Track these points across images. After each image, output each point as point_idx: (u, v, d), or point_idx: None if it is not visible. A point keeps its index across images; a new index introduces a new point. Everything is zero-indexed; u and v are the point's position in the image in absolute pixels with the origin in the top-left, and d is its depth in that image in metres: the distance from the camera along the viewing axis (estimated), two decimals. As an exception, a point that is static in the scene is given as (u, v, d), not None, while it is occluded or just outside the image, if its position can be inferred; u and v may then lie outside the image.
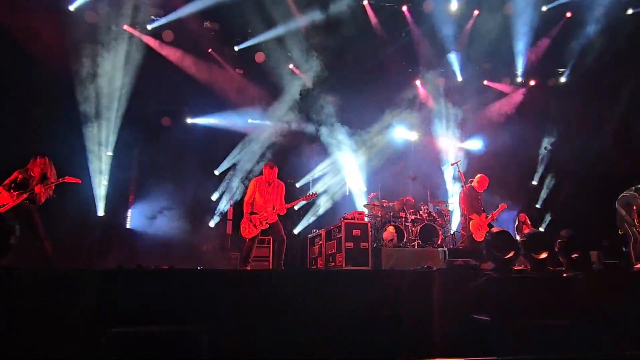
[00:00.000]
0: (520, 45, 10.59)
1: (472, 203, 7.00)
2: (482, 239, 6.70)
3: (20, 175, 5.87)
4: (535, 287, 3.43)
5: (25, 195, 5.75)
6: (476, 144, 11.79)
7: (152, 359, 2.86)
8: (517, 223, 9.31)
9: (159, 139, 9.55)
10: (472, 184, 7.19)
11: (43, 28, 7.88)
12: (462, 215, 7.42)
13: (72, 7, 8.37)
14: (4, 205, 5.67)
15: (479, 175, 7.22)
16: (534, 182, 11.97)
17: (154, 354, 2.88)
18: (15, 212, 5.56)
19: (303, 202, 7.17)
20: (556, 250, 3.66)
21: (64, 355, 3.14)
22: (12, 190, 5.77)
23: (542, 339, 3.27)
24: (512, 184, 10.74)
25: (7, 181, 5.85)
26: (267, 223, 6.12)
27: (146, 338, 2.92)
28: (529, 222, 9.33)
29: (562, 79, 11.59)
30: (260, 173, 6.49)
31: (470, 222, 6.91)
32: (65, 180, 6.11)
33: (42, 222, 5.86)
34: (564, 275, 3.61)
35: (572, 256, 3.62)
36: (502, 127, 11.46)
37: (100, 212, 8.88)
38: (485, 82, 11.77)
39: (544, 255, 3.58)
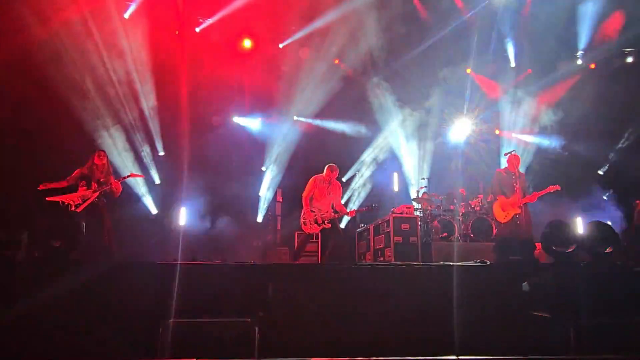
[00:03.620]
0: (584, 20, 9.75)
1: (496, 183, 7.06)
2: (507, 220, 6.74)
3: (83, 173, 5.94)
4: (601, 282, 3.21)
5: (100, 192, 5.79)
6: (533, 135, 11.15)
7: (206, 348, 2.97)
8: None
9: (208, 138, 9.86)
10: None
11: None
12: None
13: (126, 15, 8.84)
14: (81, 203, 5.69)
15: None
16: (600, 172, 11.13)
17: (207, 343, 2.99)
18: (87, 209, 5.65)
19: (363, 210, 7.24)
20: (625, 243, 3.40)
21: (126, 343, 3.33)
22: (83, 188, 5.80)
23: (608, 337, 3.06)
24: (576, 173, 10.01)
25: (69, 178, 5.88)
26: (328, 222, 6.43)
27: (201, 328, 3.04)
28: None
29: (629, 59, 10.62)
30: (320, 171, 6.72)
31: (493, 204, 6.96)
32: (130, 177, 6.41)
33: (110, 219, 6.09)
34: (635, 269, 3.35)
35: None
36: (562, 114, 10.73)
37: (154, 211, 9.34)
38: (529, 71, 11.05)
39: (610, 248, 3.34)
